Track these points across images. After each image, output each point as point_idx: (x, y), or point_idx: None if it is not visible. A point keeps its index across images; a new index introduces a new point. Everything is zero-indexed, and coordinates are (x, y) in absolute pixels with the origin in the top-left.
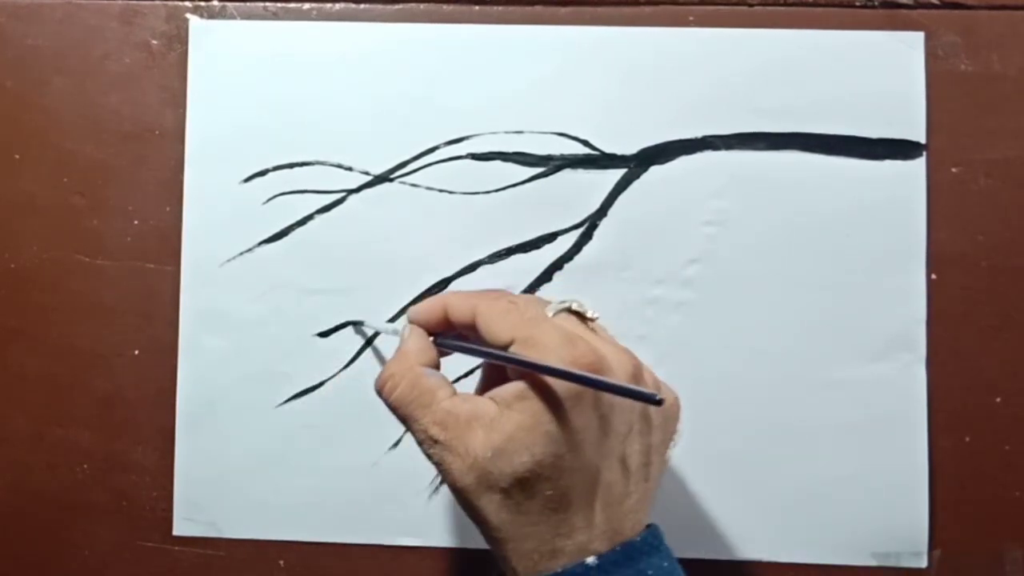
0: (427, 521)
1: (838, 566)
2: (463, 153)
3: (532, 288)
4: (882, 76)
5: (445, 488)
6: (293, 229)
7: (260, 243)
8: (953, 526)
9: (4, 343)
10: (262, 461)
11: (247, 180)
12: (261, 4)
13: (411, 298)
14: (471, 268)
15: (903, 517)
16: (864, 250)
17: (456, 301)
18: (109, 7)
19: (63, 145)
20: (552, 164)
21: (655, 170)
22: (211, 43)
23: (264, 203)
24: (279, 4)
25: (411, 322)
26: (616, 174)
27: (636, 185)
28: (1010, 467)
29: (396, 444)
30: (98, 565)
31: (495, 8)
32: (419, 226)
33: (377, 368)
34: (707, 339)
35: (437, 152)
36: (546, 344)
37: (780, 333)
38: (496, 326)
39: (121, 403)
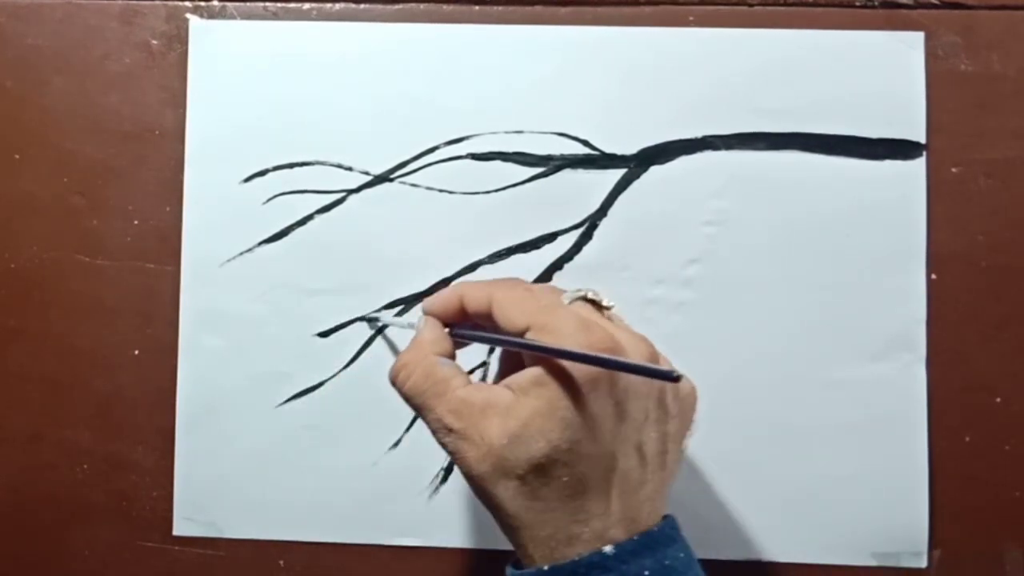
0: (427, 521)
1: (838, 566)
2: (463, 153)
3: None
4: (882, 76)
5: (445, 488)
6: (293, 229)
7: (260, 243)
8: (953, 526)
9: (4, 343)
10: (262, 461)
11: (247, 180)
12: (261, 4)
13: (411, 297)
14: (471, 268)
15: (903, 517)
16: (864, 250)
17: (471, 290)
18: (109, 7)
19: (63, 145)
20: (552, 164)
21: (655, 170)
22: (211, 43)
23: (264, 203)
24: (279, 4)
25: (425, 313)
26: (616, 174)
27: (636, 185)
28: (1010, 467)
29: (396, 444)
30: (98, 565)
31: (495, 8)
32: (419, 226)
33: (382, 364)
34: (707, 339)
35: (437, 152)
36: (562, 330)
37: (780, 333)
38: (512, 313)
39: (121, 403)
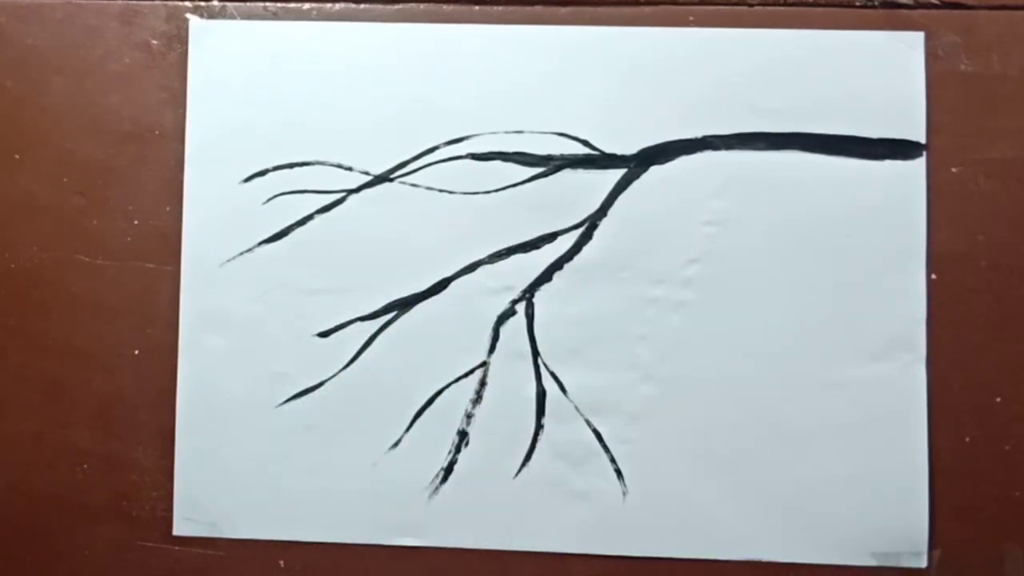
0: (427, 521)
1: (838, 566)
2: (463, 153)
3: (532, 288)
4: (882, 76)
5: (445, 488)
6: (293, 229)
7: (260, 243)
8: (953, 526)
9: (4, 343)
10: (262, 461)
11: (247, 180)
12: (261, 4)
13: (411, 297)
14: (471, 268)
15: (903, 517)
16: (864, 250)
17: None
18: (109, 7)
19: (63, 145)
20: (552, 164)
21: (655, 170)
22: (211, 43)
23: (264, 203)
24: (279, 4)
25: None
26: (616, 174)
27: (636, 185)
28: (1010, 467)
29: (396, 444)
30: (98, 565)
31: (495, 8)
32: (419, 226)
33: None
34: (707, 339)
35: (437, 152)
36: None
37: (780, 333)
38: None
39: (121, 403)
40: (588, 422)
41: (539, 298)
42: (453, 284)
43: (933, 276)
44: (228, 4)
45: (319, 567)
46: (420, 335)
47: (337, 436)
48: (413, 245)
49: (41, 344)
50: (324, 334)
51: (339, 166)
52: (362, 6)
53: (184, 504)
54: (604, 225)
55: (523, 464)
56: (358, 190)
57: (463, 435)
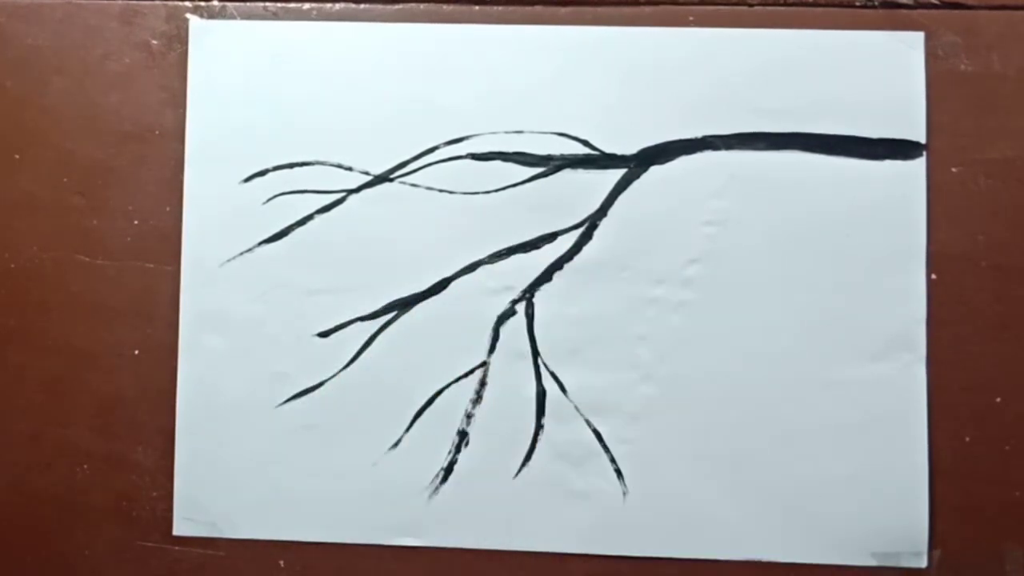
0: (427, 521)
1: (838, 566)
2: (463, 153)
3: (532, 288)
4: (882, 76)
5: (445, 488)
6: (293, 229)
7: (260, 243)
8: (953, 526)
9: (4, 343)
10: (262, 461)
11: (247, 180)
12: (261, 4)
13: (411, 298)
14: (471, 268)
15: (903, 517)
16: (864, 250)
17: None
18: (109, 7)
19: (63, 145)
20: (552, 164)
21: (655, 170)
22: (211, 43)
23: (264, 203)
24: (279, 4)
25: None
26: (616, 174)
27: (636, 185)
28: (1010, 467)
29: (396, 444)
30: (98, 565)
31: (495, 8)
32: (419, 226)
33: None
34: (707, 339)
35: (437, 152)
36: None
37: (780, 333)
38: None
39: (121, 403)
40: (588, 422)
41: (539, 298)
42: (453, 284)
43: (933, 276)
44: (228, 4)
45: (319, 567)
46: (420, 335)
47: (337, 436)
48: (413, 245)
49: (41, 344)
50: (324, 334)
51: (339, 166)
52: (362, 6)
53: (184, 504)
54: (604, 225)
55: (523, 464)
56: (358, 190)
57: (463, 435)
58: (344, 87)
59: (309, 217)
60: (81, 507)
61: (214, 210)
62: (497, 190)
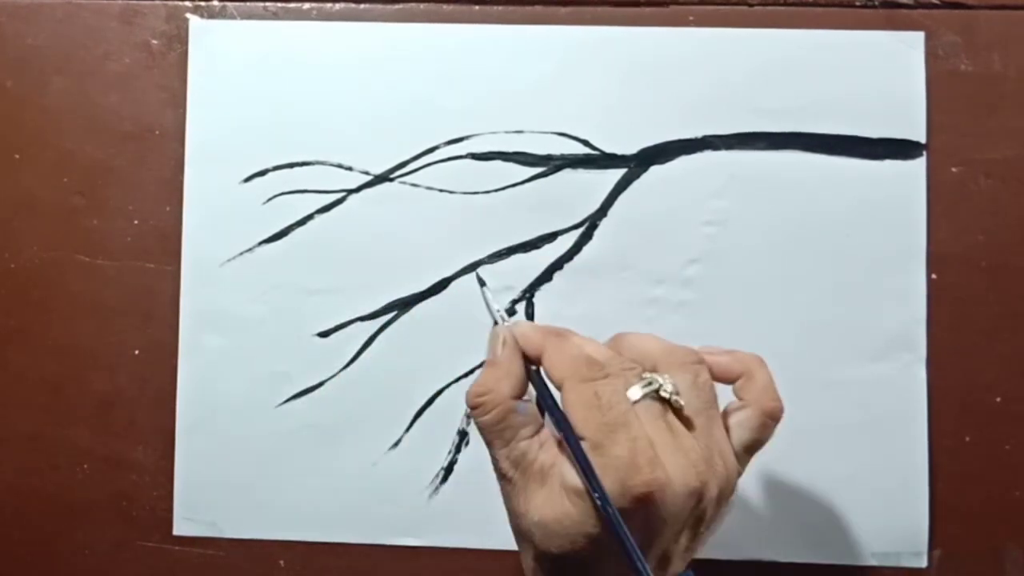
0: (427, 521)
1: (838, 566)
2: (463, 153)
3: (532, 288)
4: (882, 76)
5: (445, 488)
6: (293, 229)
7: (260, 243)
8: (953, 526)
9: (4, 343)
10: (262, 461)
11: (247, 180)
12: (261, 4)
13: (411, 298)
14: (471, 268)
15: (903, 517)
16: (864, 250)
17: (551, 360)
18: (109, 7)
19: (63, 145)
20: (552, 164)
21: (655, 170)
22: (211, 43)
23: (264, 203)
24: (279, 4)
25: (515, 337)
26: (616, 174)
27: (636, 185)
28: (1010, 467)
29: (396, 444)
30: (98, 565)
31: (495, 8)
32: (419, 226)
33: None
34: (707, 339)
35: (437, 152)
36: (614, 455)
37: (780, 333)
38: (576, 416)
39: (121, 403)
40: None
41: (539, 298)
42: (453, 284)
43: (933, 276)
44: (228, 4)
45: (319, 567)
46: (420, 335)
47: (337, 436)
48: (413, 245)
49: (41, 344)
50: (324, 334)
51: (339, 166)
52: (362, 6)
53: (184, 504)
54: (604, 225)
55: None
56: (358, 190)
57: (463, 435)
58: (344, 87)
59: (309, 217)
60: (81, 507)
61: (214, 210)
62: (497, 190)
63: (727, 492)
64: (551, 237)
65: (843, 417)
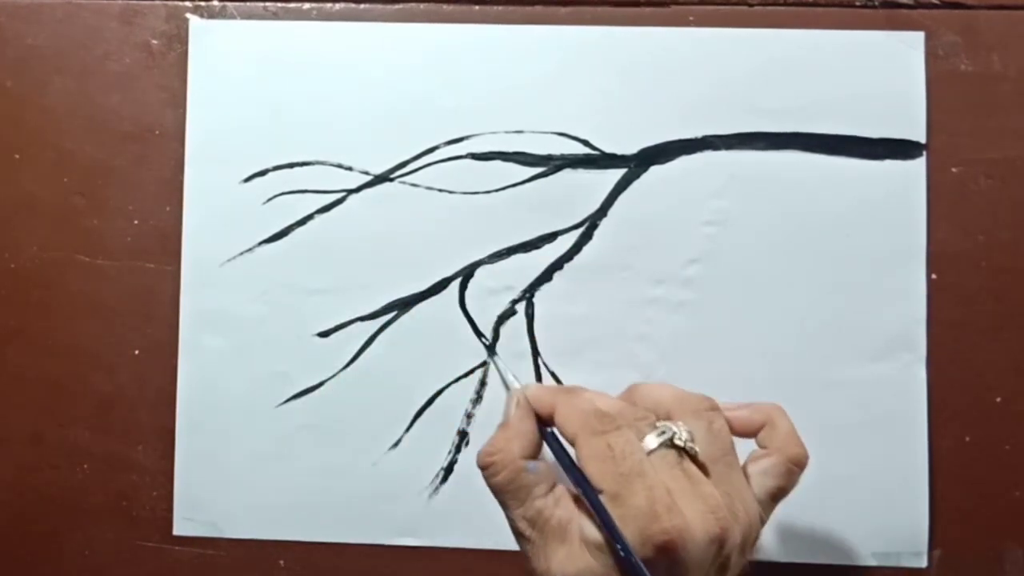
0: (427, 521)
1: (838, 566)
2: (463, 153)
3: (532, 288)
4: (882, 76)
5: (445, 488)
6: (293, 229)
7: (260, 243)
8: (953, 526)
9: (4, 343)
10: (262, 461)
11: (247, 180)
12: (261, 4)
13: (411, 298)
14: (471, 268)
15: (903, 517)
16: (864, 250)
17: (563, 416)
18: (109, 7)
19: (63, 145)
20: (552, 164)
21: (655, 170)
22: (211, 43)
23: (264, 203)
24: (279, 4)
25: (527, 398)
26: (616, 174)
27: (636, 185)
28: (1010, 467)
29: (396, 444)
30: (98, 565)
31: (495, 8)
32: (419, 226)
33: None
34: (707, 339)
35: (437, 152)
36: (632, 505)
37: (780, 333)
38: (591, 469)
39: (121, 403)
40: None
41: (539, 298)
42: (453, 284)
43: (933, 276)
44: (228, 4)
45: (319, 567)
46: (420, 335)
47: (337, 436)
48: (413, 245)
49: (41, 344)
50: (324, 334)
51: (339, 166)
52: (362, 6)
53: (184, 504)
54: (604, 225)
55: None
56: (358, 190)
57: (463, 435)
58: (344, 87)
59: (309, 217)
60: (81, 507)
61: (214, 210)
62: (497, 190)
63: (751, 539)
64: (551, 237)
65: (843, 417)
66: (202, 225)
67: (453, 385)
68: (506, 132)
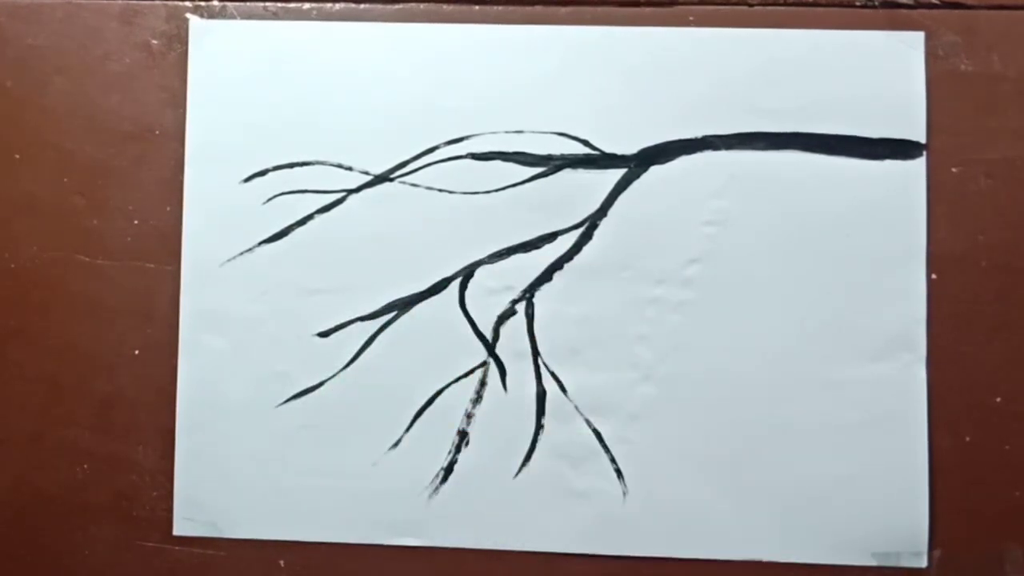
0: (427, 521)
1: (838, 566)
2: (463, 153)
3: (532, 288)
4: (882, 76)
5: (445, 488)
6: (293, 229)
7: (260, 243)
8: (953, 526)
9: (4, 343)
10: (262, 461)
11: (247, 180)
12: (261, 4)
13: (411, 298)
14: (471, 268)
15: (903, 517)
16: (864, 250)
17: None
18: (109, 7)
19: (63, 145)
20: (552, 164)
21: (655, 170)
22: (211, 43)
23: (264, 203)
24: (279, 4)
25: None
26: (616, 174)
27: (636, 185)
28: (1010, 467)
29: (396, 444)
30: (98, 565)
31: (495, 8)
32: (419, 226)
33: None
34: (707, 339)
35: (437, 152)
36: None
37: (780, 333)
38: None
39: (121, 403)
40: (588, 422)
41: (539, 298)
42: (453, 284)
43: (933, 276)
44: (228, 4)
45: (319, 567)
46: (420, 335)
47: (337, 436)
48: (413, 245)
49: (41, 344)
50: (324, 334)
51: (339, 166)
52: (362, 6)
53: (184, 504)
54: (604, 225)
55: (523, 464)
56: (358, 190)
57: (463, 435)
58: (344, 87)
59: (309, 217)
60: (81, 507)
61: (214, 210)
62: (497, 190)
63: None
64: (551, 237)
65: (843, 417)
66: (202, 225)
67: (453, 385)
68: (506, 132)
